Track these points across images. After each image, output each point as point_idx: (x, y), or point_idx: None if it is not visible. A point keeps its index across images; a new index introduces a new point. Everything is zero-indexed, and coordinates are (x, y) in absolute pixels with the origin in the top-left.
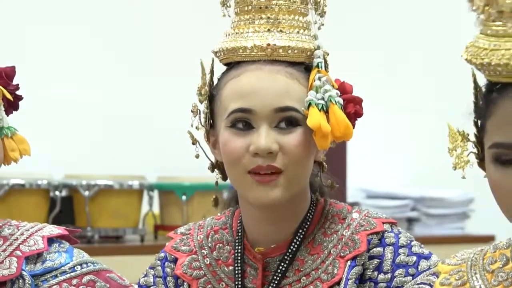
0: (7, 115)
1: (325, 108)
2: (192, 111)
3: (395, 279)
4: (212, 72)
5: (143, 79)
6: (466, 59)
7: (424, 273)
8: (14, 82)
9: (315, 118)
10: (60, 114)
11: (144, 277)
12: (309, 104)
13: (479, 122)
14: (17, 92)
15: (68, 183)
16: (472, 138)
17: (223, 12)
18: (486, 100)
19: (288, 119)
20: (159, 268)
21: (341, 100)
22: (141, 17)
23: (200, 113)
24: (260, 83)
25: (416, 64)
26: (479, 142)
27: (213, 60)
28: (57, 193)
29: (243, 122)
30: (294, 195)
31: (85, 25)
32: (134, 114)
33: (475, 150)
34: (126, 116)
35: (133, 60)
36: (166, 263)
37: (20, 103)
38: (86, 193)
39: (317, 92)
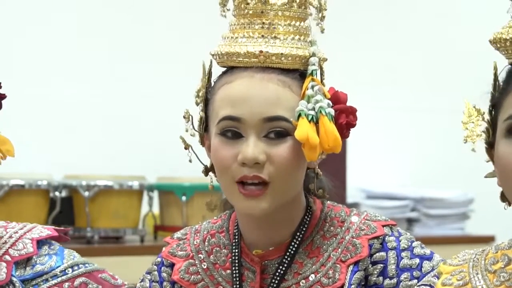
0: None
1: (315, 119)
2: (184, 117)
3: (401, 283)
4: (209, 74)
5: (143, 79)
6: (494, 38)
7: (428, 275)
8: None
9: (303, 130)
10: (60, 114)
11: (140, 282)
12: (299, 115)
13: (493, 111)
14: (0, 91)
15: (68, 184)
16: (485, 126)
17: (222, 14)
18: (507, 79)
19: (278, 132)
20: (156, 273)
21: (332, 111)
22: (142, 17)
23: (192, 118)
24: (251, 91)
25: (417, 64)
26: (492, 127)
27: (211, 62)
28: (57, 193)
29: (232, 131)
30: (284, 203)
31: (85, 25)
32: (134, 114)
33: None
34: (126, 116)
35: (133, 60)
36: (162, 267)
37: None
38: (86, 193)
39: (308, 102)
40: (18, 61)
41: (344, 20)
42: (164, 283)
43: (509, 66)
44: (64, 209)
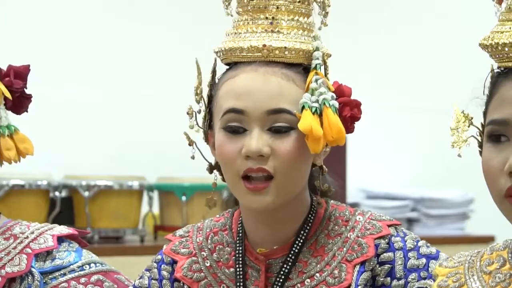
0: (19, 114)
1: (318, 111)
2: (187, 113)
3: (409, 284)
4: (214, 72)
5: (143, 79)
6: (479, 44)
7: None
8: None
9: (306, 121)
10: (60, 114)
11: (139, 279)
12: (303, 107)
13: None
14: (27, 92)
15: (68, 184)
16: (479, 127)
17: (226, 11)
18: (492, 85)
19: (279, 121)
20: (155, 270)
21: (336, 103)
22: (141, 17)
23: (195, 115)
24: (254, 84)
25: (416, 64)
26: (484, 131)
27: (215, 60)
28: (57, 193)
29: (236, 124)
30: (289, 199)
31: (85, 25)
32: (134, 114)
33: (479, 138)
34: (126, 116)
35: (133, 60)
36: (162, 265)
37: None
38: (86, 193)
39: (312, 95)
40: (18, 61)
41: (344, 21)
42: (164, 281)
43: (496, 70)
44: (64, 209)
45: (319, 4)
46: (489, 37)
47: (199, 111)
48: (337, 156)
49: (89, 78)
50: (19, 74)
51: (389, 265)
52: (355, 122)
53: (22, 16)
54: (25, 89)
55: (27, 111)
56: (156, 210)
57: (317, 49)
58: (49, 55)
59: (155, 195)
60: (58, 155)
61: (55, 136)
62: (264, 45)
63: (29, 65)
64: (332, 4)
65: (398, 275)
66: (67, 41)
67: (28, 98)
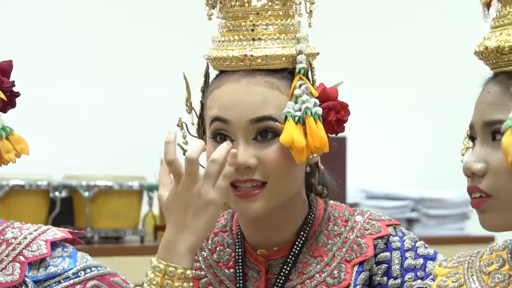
0: (5, 112)
1: (302, 121)
2: (177, 125)
3: (405, 283)
4: (206, 76)
5: (143, 79)
6: (474, 52)
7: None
8: (12, 79)
9: (288, 134)
10: (60, 115)
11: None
12: (286, 117)
13: None
14: (14, 89)
15: (68, 184)
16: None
17: (208, 13)
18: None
19: (264, 129)
20: None
21: (319, 110)
22: (141, 17)
23: (187, 126)
24: (237, 96)
25: (417, 64)
26: None
27: (207, 64)
28: (56, 193)
29: (222, 134)
30: (282, 203)
31: (85, 25)
32: (134, 114)
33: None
34: (126, 116)
35: (133, 61)
36: None
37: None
38: (86, 193)
39: (296, 102)
40: (17, 61)
41: (344, 21)
42: None
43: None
44: (64, 210)
45: (299, 4)
46: (479, 43)
47: (193, 123)
48: (337, 156)
49: (89, 78)
50: (5, 71)
51: (386, 265)
52: (344, 124)
53: (21, 17)
54: (13, 86)
55: (9, 109)
56: (156, 210)
57: (300, 52)
58: (49, 55)
59: (155, 195)
60: (58, 155)
61: (55, 136)
62: (245, 55)
63: (11, 61)
64: (333, 4)
65: (395, 274)
66: (67, 41)
67: (17, 95)
